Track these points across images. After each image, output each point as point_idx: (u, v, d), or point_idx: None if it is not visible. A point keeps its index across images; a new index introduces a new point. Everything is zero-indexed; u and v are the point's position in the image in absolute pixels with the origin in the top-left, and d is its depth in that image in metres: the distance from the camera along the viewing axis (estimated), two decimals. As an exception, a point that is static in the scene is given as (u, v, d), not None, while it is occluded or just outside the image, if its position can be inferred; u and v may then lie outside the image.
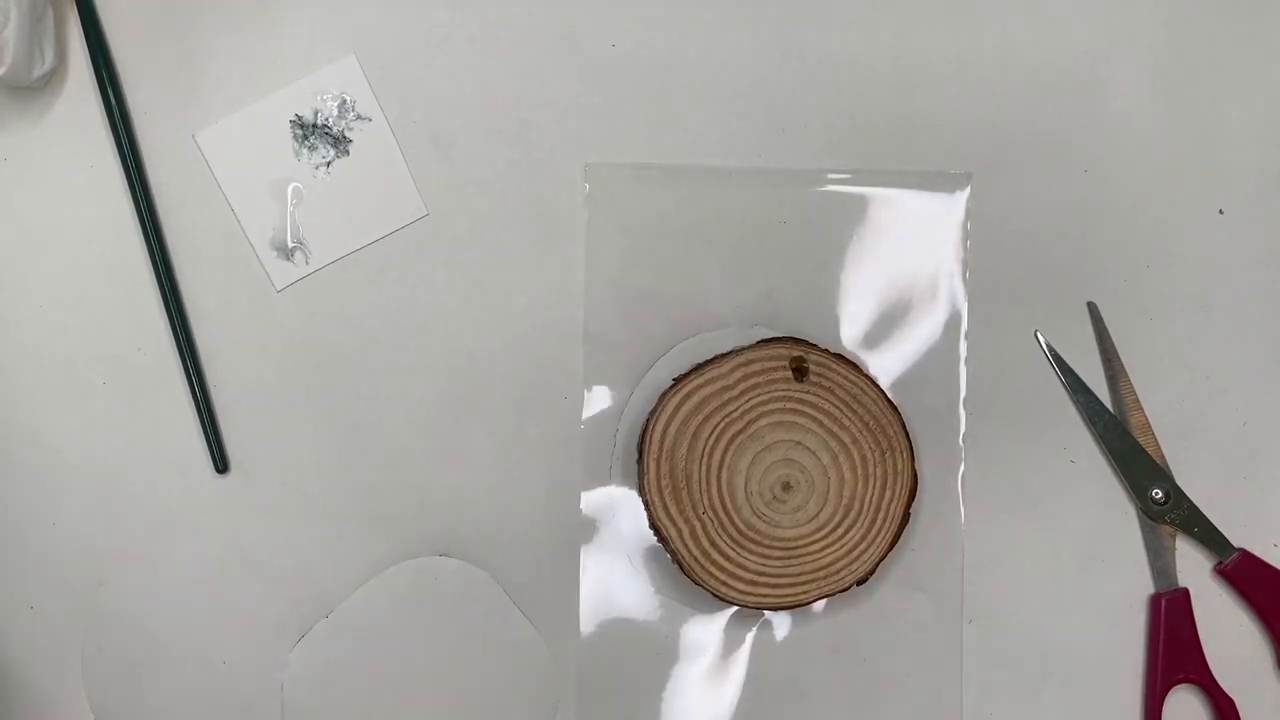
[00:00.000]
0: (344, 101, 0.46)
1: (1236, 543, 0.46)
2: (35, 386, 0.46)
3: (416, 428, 0.46)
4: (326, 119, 0.46)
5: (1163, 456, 0.46)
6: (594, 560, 0.46)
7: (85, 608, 0.46)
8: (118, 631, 0.46)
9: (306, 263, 0.46)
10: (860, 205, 0.47)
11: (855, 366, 0.45)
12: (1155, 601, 0.46)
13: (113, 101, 0.45)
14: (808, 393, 0.44)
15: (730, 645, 0.46)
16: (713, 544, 0.44)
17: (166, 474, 0.46)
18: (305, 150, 0.46)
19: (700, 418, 0.44)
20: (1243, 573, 0.46)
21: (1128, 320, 0.47)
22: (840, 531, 0.44)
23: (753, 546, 0.44)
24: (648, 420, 0.44)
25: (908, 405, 0.46)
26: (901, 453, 0.44)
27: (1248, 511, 0.46)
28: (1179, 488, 0.46)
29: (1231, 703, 0.45)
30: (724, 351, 0.45)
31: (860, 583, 0.44)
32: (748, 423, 0.44)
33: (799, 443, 0.44)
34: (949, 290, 0.47)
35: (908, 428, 0.45)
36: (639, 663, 0.46)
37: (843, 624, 0.46)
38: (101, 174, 0.46)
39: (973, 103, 0.47)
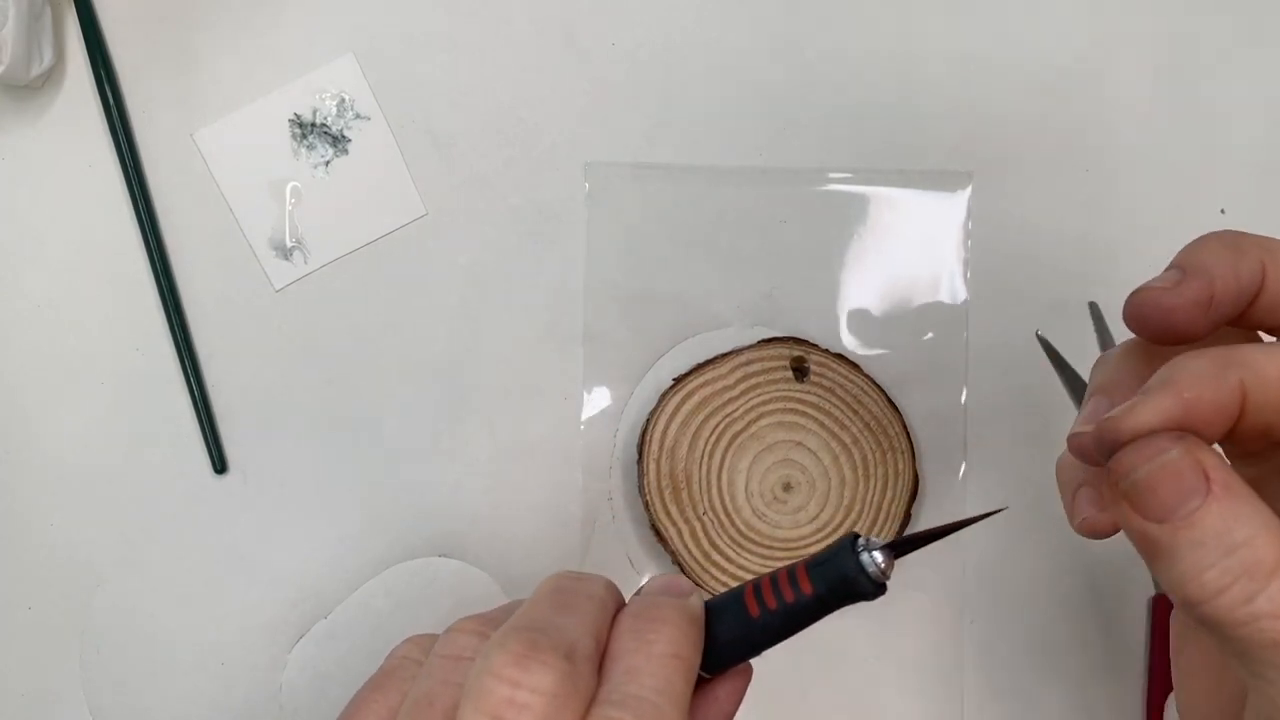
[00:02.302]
0: (343, 100, 0.46)
1: (1236, 543, 0.46)
2: (33, 386, 0.46)
3: (416, 428, 0.46)
4: (325, 118, 0.46)
5: (1163, 456, 0.46)
6: (594, 561, 0.46)
7: (83, 608, 0.46)
8: (116, 632, 0.46)
9: (305, 262, 0.46)
10: (860, 205, 0.47)
11: (856, 366, 0.45)
12: (1156, 602, 0.46)
13: (111, 101, 0.45)
14: (808, 393, 0.44)
15: (730, 646, 0.46)
16: (713, 545, 0.44)
17: (165, 474, 0.46)
18: (304, 149, 0.46)
19: (700, 418, 0.44)
20: (1243, 573, 0.46)
21: (1128, 320, 0.47)
22: (841, 532, 0.44)
23: (753, 547, 0.44)
24: (648, 420, 0.44)
25: (908, 405, 0.46)
26: (902, 453, 0.44)
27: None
28: (1179, 488, 0.46)
29: (1231, 703, 0.45)
30: (724, 351, 0.45)
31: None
32: (748, 423, 0.44)
33: (799, 443, 0.44)
34: (950, 290, 0.47)
35: (908, 428, 0.45)
36: (639, 663, 0.46)
37: (843, 624, 0.46)
38: (100, 173, 0.46)
39: (973, 103, 0.47)
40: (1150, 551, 0.24)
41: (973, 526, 0.40)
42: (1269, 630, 0.22)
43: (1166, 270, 0.29)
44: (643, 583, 0.46)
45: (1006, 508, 0.31)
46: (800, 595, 0.25)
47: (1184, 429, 0.24)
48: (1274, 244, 0.28)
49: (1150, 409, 0.24)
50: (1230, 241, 0.28)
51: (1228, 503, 0.23)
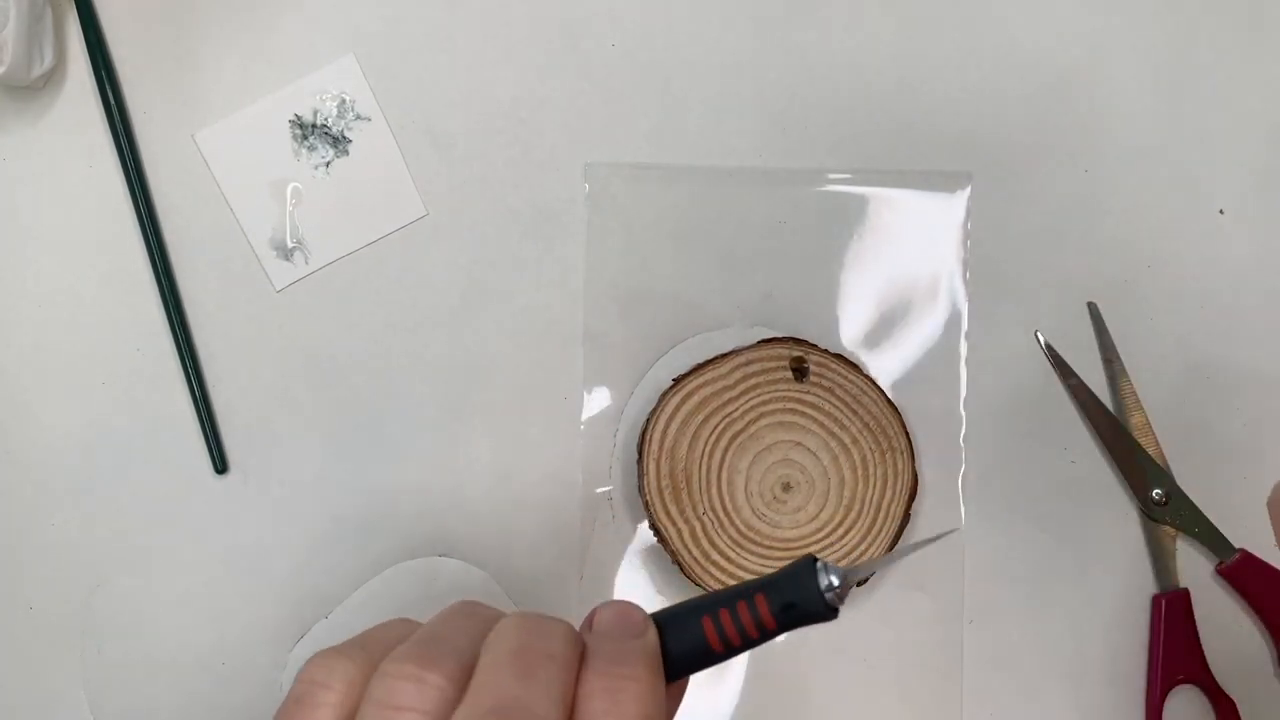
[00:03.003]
0: (343, 101, 0.46)
1: (1237, 543, 0.46)
2: (34, 386, 0.46)
3: (416, 428, 0.46)
4: (326, 119, 0.46)
5: (1163, 456, 0.46)
6: (594, 560, 0.46)
7: (84, 608, 0.46)
8: (116, 632, 0.46)
9: (306, 263, 0.46)
10: (860, 205, 0.47)
11: (855, 367, 0.45)
12: (1156, 602, 0.46)
13: (112, 101, 0.45)
14: (808, 393, 0.44)
15: (730, 646, 0.46)
16: (712, 544, 0.44)
17: (166, 474, 0.46)
18: (304, 150, 0.46)
19: (700, 418, 0.44)
20: (1243, 573, 0.46)
21: (1128, 320, 0.47)
22: (840, 532, 0.44)
23: (753, 547, 0.44)
24: (648, 420, 0.44)
25: (908, 405, 0.46)
26: (902, 453, 0.44)
27: (1248, 511, 0.46)
28: (1179, 488, 0.46)
29: (1232, 703, 0.45)
30: (724, 351, 0.45)
31: (861, 583, 0.44)
32: (748, 423, 0.44)
33: (799, 443, 0.44)
34: (949, 290, 0.47)
35: (908, 428, 0.45)
36: (639, 663, 0.46)
37: (843, 624, 0.46)
38: (101, 174, 0.46)
39: (973, 103, 0.47)
40: None
41: (971, 526, 0.41)
42: None
43: None
44: (644, 584, 0.46)
45: (959, 529, 0.31)
46: (763, 628, 0.26)
47: None
48: None
49: None
50: None
51: None
